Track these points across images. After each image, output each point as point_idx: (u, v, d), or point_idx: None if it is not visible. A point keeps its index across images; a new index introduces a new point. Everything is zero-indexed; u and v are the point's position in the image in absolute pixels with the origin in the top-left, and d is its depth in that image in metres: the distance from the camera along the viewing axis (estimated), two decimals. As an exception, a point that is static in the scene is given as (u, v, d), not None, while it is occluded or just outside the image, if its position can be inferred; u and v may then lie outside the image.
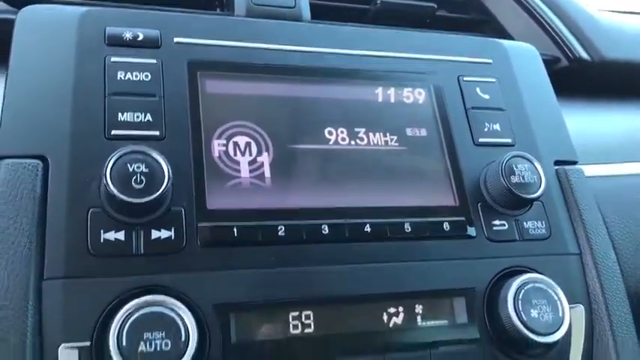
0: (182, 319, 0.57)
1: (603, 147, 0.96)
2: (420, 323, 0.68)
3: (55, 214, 0.61)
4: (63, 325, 0.57)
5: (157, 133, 0.67)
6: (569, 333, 0.72)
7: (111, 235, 0.61)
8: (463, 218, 0.73)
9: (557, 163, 0.83)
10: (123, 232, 0.61)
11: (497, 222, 0.75)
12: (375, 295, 0.67)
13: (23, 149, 0.63)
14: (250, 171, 0.69)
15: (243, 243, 0.65)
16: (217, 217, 0.65)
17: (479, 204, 0.75)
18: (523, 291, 0.69)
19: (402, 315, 0.68)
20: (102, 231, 0.61)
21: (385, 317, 0.68)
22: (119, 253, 0.60)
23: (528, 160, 0.75)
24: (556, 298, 0.70)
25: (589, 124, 1.00)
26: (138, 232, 0.62)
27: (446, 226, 0.72)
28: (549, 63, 1.01)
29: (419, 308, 0.69)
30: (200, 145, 0.68)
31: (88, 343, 0.57)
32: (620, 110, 1.04)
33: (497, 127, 0.81)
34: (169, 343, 0.56)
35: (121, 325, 0.56)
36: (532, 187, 0.74)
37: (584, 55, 1.02)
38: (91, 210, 0.61)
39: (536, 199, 0.74)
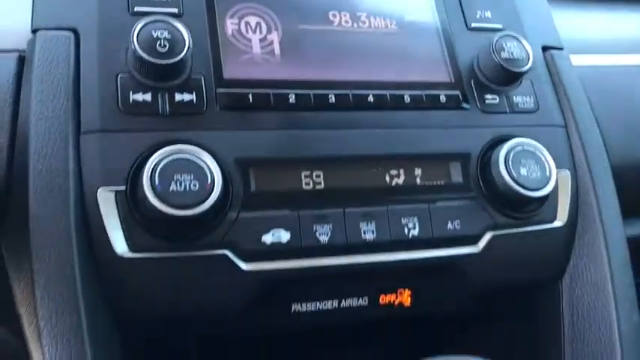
0: (207, 166, 0.64)
1: (588, 43, 1.02)
2: (418, 183, 0.75)
3: (88, 79, 0.67)
4: (100, 172, 0.64)
5: (176, 10, 0.72)
6: (556, 192, 0.79)
7: (139, 97, 0.67)
8: (457, 92, 0.80)
9: (544, 49, 0.90)
10: (149, 94, 0.68)
11: (488, 96, 0.81)
12: (377, 155, 0.74)
13: (56, 22, 0.69)
14: (261, 47, 0.75)
15: (258, 108, 0.71)
16: (233, 85, 0.71)
17: (472, 80, 0.81)
18: (513, 152, 0.76)
19: (402, 177, 0.75)
20: (130, 93, 0.67)
21: (388, 178, 0.74)
22: (147, 112, 0.67)
23: (517, 39, 0.81)
24: (543, 159, 0.76)
25: (575, 22, 1.06)
26: (163, 95, 0.68)
27: (442, 98, 0.79)
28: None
29: (418, 171, 0.76)
30: (214, 22, 0.74)
31: (123, 187, 0.64)
32: (605, 10, 1.10)
33: (488, 14, 0.87)
34: (197, 184, 0.63)
35: (153, 169, 0.62)
36: (521, 62, 0.80)
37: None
38: (119, 75, 0.68)
39: (525, 73, 0.80)
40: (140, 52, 0.66)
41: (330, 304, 0.75)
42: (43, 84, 0.66)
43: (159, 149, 0.64)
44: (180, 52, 0.67)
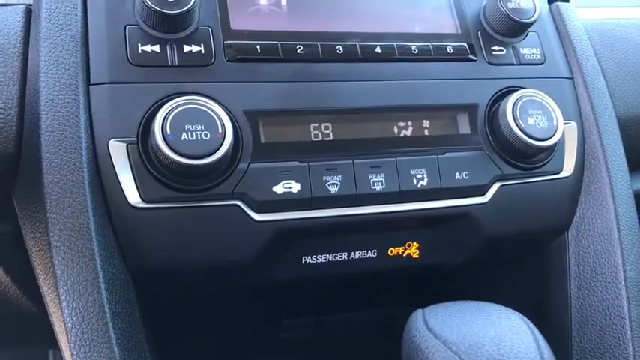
0: (218, 116, 0.64)
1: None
2: (426, 134, 0.75)
3: (96, 30, 0.67)
4: (111, 124, 0.64)
5: None
6: (562, 143, 0.79)
7: (147, 48, 0.67)
8: (464, 44, 0.80)
9: (550, 1, 0.90)
10: (158, 45, 0.67)
11: (495, 48, 0.81)
12: (385, 107, 0.74)
13: None
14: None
15: (266, 59, 0.71)
16: (241, 37, 0.71)
17: (479, 32, 0.81)
18: (520, 102, 0.76)
19: (410, 128, 0.75)
20: (139, 44, 0.67)
21: (396, 129, 0.75)
22: (156, 63, 0.67)
23: None
24: (550, 108, 0.77)
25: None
26: (172, 46, 0.68)
27: (449, 49, 0.78)
28: None
29: (426, 122, 0.76)
30: None
31: (134, 139, 0.64)
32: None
33: None
34: (208, 134, 0.63)
35: (164, 119, 0.62)
36: (527, 12, 0.80)
37: None
38: (127, 26, 0.67)
39: (531, 23, 0.80)
40: (148, 1, 0.65)
41: (339, 256, 0.75)
42: (51, 36, 0.66)
43: (169, 100, 0.64)
44: (188, 2, 0.66)
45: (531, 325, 0.60)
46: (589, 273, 0.80)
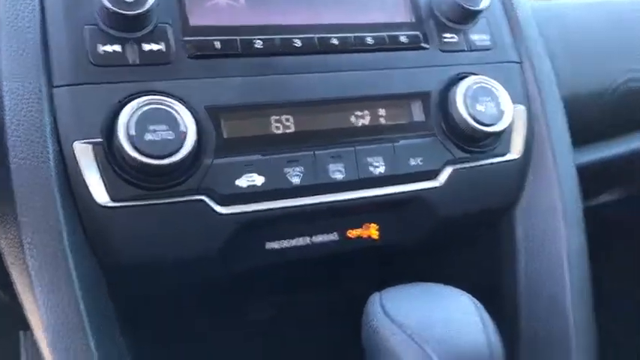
0: (180, 115, 0.66)
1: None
2: (383, 123, 0.79)
3: (55, 31, 0.67)
4: (75, 125, 0.66)
5: None
6: (511, 126, 0.84)
7: (108, 48, 0.68)
8: (418, 32, 0.83)
9: (499, -14, 0.93)
10: (118, 45, 0.68)
11: (447, 35, 0.84)
12: (343, 98, 0.77)
13: None
14: (225, -7, 0.76)
15: (225, 55, 0.73)
16: (200, 33, 0.72)
17: (430, 20, 0.84)
18: (471, 90, 0.80)
19: (367, 117, 0.79)
20: (99, 45, 0.68)
21: (353, 119, 0.78)
22: (117, 62, 0.68)
23: None
24: (498, 95, 0.81)
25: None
26: (132, 45, 0.69)
27: (403, 38, 0.81)
28: None
29: (382, 112, 0.79)
30: None
31: (99, 139, 0.66)
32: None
33: None
34: (172, 133, 0.65)
35: (128, 120, 0.64)
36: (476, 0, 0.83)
37: None
38: (86, 27, 0.68)
39: (481, 11, 0.83)
40: (106, 2, 0.66)
41: (302, 241, 0.79)
42: (10, 39, 0.66)
43: (131, 100, 0.66)
44: (147, 3, 0.67)
45: (479, 305, 0.65)
46: (536, 248, 0.86)
